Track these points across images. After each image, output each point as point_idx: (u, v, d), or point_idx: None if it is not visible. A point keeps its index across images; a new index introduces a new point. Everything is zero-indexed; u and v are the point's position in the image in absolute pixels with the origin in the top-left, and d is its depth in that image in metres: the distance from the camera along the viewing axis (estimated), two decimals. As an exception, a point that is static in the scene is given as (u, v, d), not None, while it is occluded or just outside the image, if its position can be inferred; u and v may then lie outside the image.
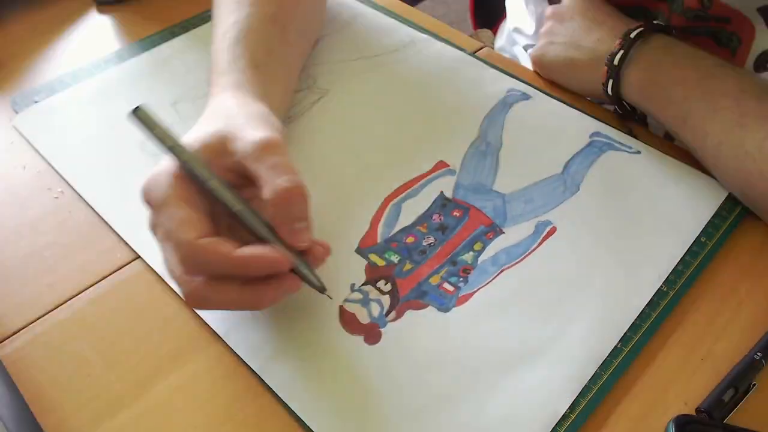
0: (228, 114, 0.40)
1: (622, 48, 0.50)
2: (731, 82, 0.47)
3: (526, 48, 0.72)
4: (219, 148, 0.38)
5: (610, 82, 0.51)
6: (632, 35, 0.50)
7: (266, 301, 0.36)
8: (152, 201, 0.37)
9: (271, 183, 0.36)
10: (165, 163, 0.38)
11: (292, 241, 0.36)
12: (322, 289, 0.38)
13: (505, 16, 0.80)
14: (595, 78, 0.53)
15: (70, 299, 0.43)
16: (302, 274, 0.37)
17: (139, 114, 0.36)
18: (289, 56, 0.52)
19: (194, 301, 0.36)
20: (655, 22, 0.51)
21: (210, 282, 0.35)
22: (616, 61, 0.50)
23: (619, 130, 0.53)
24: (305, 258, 0.38)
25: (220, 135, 0.38)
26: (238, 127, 0.38)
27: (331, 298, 0.40)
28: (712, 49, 0.51)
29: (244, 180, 0.38)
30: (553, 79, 0.58)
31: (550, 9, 0.59)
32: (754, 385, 0.38)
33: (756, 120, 0.44)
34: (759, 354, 0.39)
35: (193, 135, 0.39)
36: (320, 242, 0.38)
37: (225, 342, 0.41)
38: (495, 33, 0.85)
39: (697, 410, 0.38)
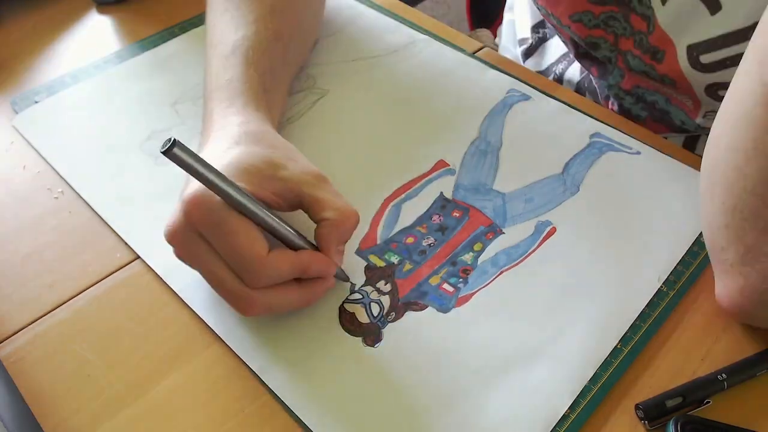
0: (271, 142, 0.41)
1: None
2: None
3: (520, 42, 0.72)
4: (269, 173, 0.39)
5: None
6: None
7: (317, 297, 0.41)
8: (209, 218, 0.36)
9: (334, 206, 0.39)
10: (199, 187, 0.36)
11: (336, 258, 0.40)
12: (348, 280, 0.44)
13: (501, 19, 0.80)
14: None
15: (70, 299, 0.43)
16: (338, 274, 0.42)
17: (174, 150, 0.34)
18: (287, 78, 0.53)
19: (261, 309, 0.38)
20: None
21: (274, 289, 0.38)
22: None
23: (618, 130, 0.53)
24: None
25: (271, 161, 0.39)
26: (286, 157, 0.41)
27: (354, 284, 0.44)
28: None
29: (283, 203, 0.40)
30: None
31: None
32: (708, 402, 0.38)
33: None
34: (723, 375, 0.38)
35: (239, 158, 0.39)
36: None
37: (225, 342, 0.41)
38: (494, 33, 0.86)
39: (636, 406, 0.38)
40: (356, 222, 0.40)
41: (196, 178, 0.35)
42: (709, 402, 0.38)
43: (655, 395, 0.38)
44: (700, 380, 0.38)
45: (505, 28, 0.80)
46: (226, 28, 0.49)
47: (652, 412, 0.37)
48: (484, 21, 0.91)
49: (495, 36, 0.85)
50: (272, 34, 0.49)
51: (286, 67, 0.52)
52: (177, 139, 0.33)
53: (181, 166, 0.34)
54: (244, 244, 0.36)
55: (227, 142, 0.41)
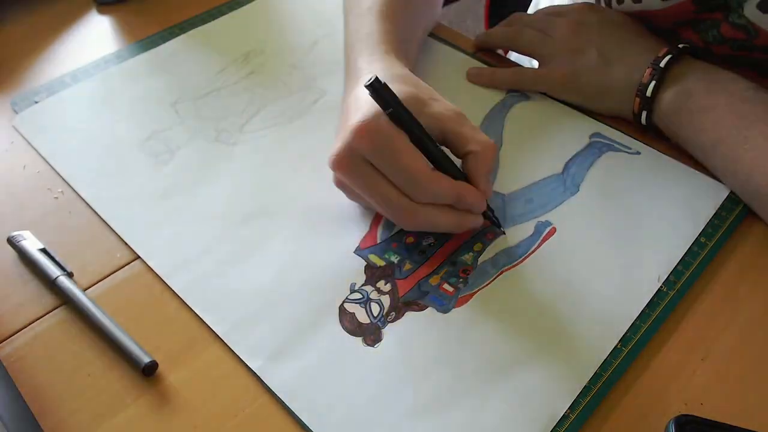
0: (415, 82, 0.46)
1: (654, 78, 0.49)
2: (764, 107, 0.46)
3: None
4: (416, 109, 0.43)
5: (644, 113, 0.51)
6: (662, 64, 0.49)
7: (468, 225, 0.44)
8: (378, 142, 0.41)
9: (477, 139, 0.43)
10: (372, 115, 0.41)
11: (485, 188, 0.44)
12: (501, 228, 0.47)
13: None
14: (626, 104, 0.52)
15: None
16: (490, 215, 0.45)
17: (374, 84, 0.41)
18: (418, 33, 0.57)
19: (421, 222, 0.43)
20: (681, 45, 0.51)
21: (434, 206, 0.42)
22: (649, 93, 0.50)
23: (618, 130, 0.53)
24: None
25: (417, 98, 0.44)
26: (429, 96, 0.45)
27: (504, 233, 0.46)
28: (755, 80, 0.49)
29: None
30: (572, 101, 0.55)
31: (568, 21, 0.55)
32: None
33: None
34: None
35: (399, 92, 0.42)
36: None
37: (225, 342, 0.41)
38: None
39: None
40: (496, 152, 0.44)
41: (383, 108, 0.41)
42: None
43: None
44: None
45: None
46: None
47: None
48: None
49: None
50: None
51: (416, 23, 0.56)
52: (380, 79, 0.41)
53: (375, 98, 0.41)
54: (411, 161, 0.41)
55: None
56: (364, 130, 0.41)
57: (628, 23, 0.55)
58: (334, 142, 0.43)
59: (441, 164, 0.43)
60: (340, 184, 0.45)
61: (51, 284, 0.43)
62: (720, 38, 0.52)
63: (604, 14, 0.56)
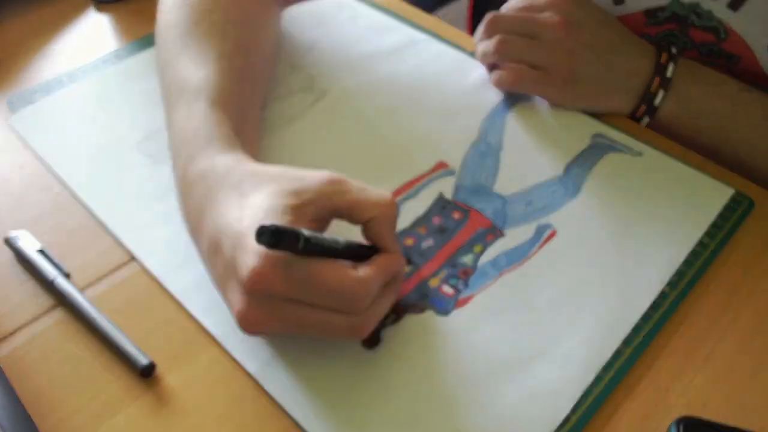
0: (270, 177, 0.38)
1: (662, 88, 0.51)
2: (755, 107, 0.51)
3: None
4: (296, 203, 0.36)
5: (646, 117, 0.53)
6: (668, 74, 0.51)
7: (400, 284, 0.40)
8: (289, 283, 0.34)
9: (373, 202, 0.38)
10: (264, 256, 0.34)
11: (396, 248, 0.39)
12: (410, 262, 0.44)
13: None
14: (624, 107, 0.54)
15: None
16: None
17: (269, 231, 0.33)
18: (257, 116, 0.50)
19: (373, 323, 0.37)
20: (673, 50, 0.53)
21: (373, 302, 0.37)
22: (657, 102, 0.52)
23: (620, 131, 0.53)
24: None
25: (290, 193, 0.37)
26: (292, 181, 0.37)
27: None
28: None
29: (319, 225, 0.38)
30: (571, 105, 0.54)
31: (557, 22, 0.52)
32: None
33: None
34: None
35: (262, 205, 0.36)
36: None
37: (223, 344, 0.41)
38: None
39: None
40: (396, 206, 0.39)
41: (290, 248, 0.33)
42: None
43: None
44: None
45: None
46: (187, 67, 0.46)
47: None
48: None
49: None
50: (238, 74, 0.46)
51: (255, 104, 0.49)
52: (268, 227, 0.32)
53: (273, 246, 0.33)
54: (338, 278, 0.34)
55: (234, 197, 0.38)
56: (270, 270, 0.34)
57: (613, 21, 0.55)
58: (229, 299, 0.37)
59: (346, 257, 0.37)
60: (253, 333, 0.37)
61: (48, 285, 0.43)
62: (691, 44, 0.54)
63: (589, 11, 0.54)
